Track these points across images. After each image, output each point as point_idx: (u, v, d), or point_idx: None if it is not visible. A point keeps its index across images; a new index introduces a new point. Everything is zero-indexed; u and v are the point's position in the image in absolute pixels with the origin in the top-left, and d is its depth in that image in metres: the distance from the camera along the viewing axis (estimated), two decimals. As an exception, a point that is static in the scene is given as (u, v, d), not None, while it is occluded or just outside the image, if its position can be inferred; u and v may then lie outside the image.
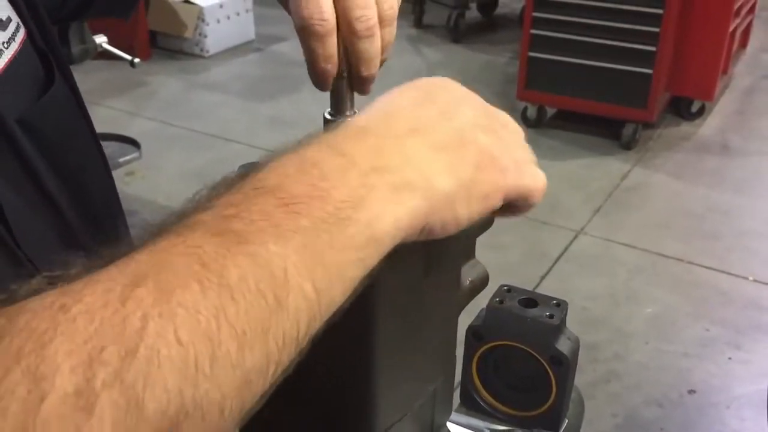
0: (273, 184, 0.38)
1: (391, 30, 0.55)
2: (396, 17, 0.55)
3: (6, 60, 0.61)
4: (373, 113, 0.46)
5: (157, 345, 0.32)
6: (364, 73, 0.53)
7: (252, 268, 0.35)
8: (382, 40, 0.53)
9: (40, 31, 0.67)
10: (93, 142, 0.74)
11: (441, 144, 0.44)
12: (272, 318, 0.35)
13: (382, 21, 0.53)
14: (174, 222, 0.38)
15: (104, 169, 0.76)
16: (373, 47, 0.53)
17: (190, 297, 0.33)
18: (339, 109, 0.55)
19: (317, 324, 0.38)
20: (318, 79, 0.53)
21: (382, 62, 0.55)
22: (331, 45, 0.51)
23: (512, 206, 0.49)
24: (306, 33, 0.51)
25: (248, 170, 0.41)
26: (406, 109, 0.46)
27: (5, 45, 0.61)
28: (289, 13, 0.54)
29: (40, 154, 0.63)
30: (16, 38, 0.63)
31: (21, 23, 0.64)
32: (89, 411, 0.30)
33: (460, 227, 0.44)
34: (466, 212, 0.44)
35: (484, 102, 0.50)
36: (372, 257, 0.40)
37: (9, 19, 0.63)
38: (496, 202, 0.46)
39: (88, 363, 0.31)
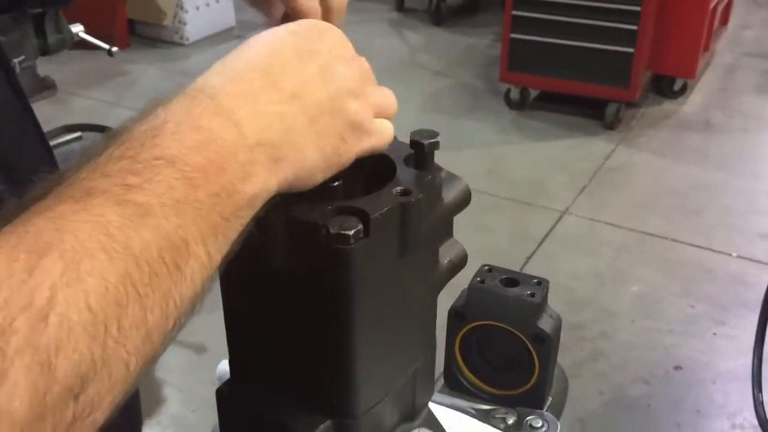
0: (173, 155, 0.41)
1: None
2: None
3: None
4: (259, 64, 0.49)
5: (68, 312, 0.34)
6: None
7: (155, 239, 0.39)
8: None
9: None
10: (41, 142, 0.72)
11: (316, 112, 0.48)
12: (172, 283, 0.39)
13: None
14: (68, 184, 0.40)
15: (54, 168, 0.73)
16: None
17: (97, 265, 0.36)
18: None
19: (209, 283, 0.43)
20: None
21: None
22: None
23: None
24: None
25: (138, 127, 0.43)
26: (289, 64, 0.49)
27: None
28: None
29: None
30: None
31: None
32: (3, 376, 0.32)
33: (314, 185, 0.50)
34: (323, 177, 0.50)
35: (350, 48, 0.53)
36: (247, 219, 0.45)
37: None
38: (349, 163, 0.51)
39: (0, 332, 0.32)
